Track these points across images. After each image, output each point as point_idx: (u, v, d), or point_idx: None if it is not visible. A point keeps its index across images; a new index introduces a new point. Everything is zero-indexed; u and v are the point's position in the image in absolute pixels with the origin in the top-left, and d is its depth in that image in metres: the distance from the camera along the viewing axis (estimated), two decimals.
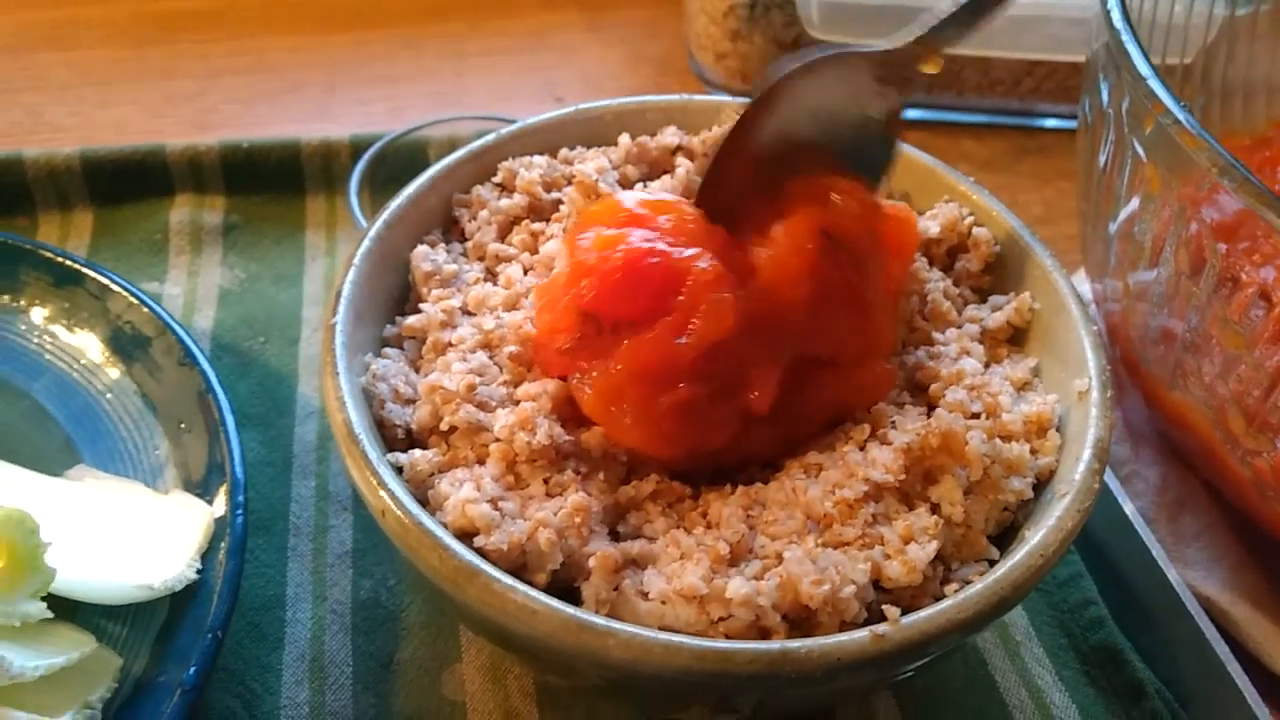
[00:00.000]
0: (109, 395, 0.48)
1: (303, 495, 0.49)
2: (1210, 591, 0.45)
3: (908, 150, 0.47)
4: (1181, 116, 0.40)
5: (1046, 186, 0.72)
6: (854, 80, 0.40)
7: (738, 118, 0.39)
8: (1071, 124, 0.74)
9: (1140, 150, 0.43)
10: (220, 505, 0.42)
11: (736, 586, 0.31)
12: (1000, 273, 0.44)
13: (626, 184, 0.46)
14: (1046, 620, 0.46)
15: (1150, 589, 0.44)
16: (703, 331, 0.34)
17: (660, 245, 0.37)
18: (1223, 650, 0.41)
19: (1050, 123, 0.75)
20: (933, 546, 0.33)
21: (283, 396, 0.53)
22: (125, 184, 0.60)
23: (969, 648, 0.44)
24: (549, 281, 0.39)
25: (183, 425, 0.46)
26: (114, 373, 0.48)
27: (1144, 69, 0.42)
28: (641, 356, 0.35)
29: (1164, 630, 0.44)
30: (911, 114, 0.75)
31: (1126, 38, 0.43)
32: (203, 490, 0.43)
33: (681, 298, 0.35)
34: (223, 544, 0.41)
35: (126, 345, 0.48)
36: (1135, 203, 0.45)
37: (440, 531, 0.33)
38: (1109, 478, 0.48)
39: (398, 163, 0.61)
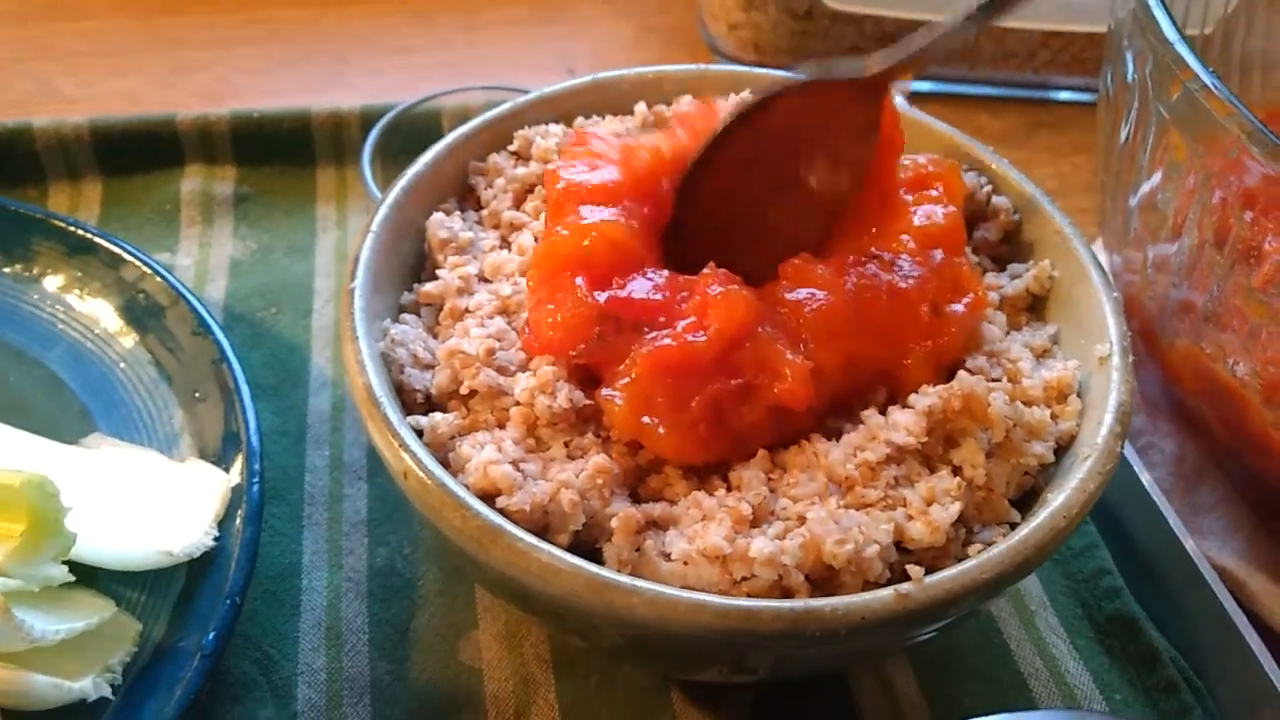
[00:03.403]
0: (123, 364, 0.47)
1: (317, 465, 0.49)
2: (1226, 562, 0.45)
3: (926, 119, 0.47)
4: (1210, 81, 0.40)
5: (1061, 160, 0.71)
6: (833, 100, 0.39)
7: (717, 132, 0.39)
8: (1086, 96, 0.73)
9: (1166, 118, 0.43)
10: (236, 473, 0.42)
11: (760, 546, 0.31)
12: (1019, 241, 0.44)
13: None
14: (1061, 589, 0.46)
15: (1166, 558, 0.44)
16: (720, 326, 0.34)
17: None
18: (1240, 619, 0.41)
19: (1064, 95, 0.74)
20: (955, 508, 0.33)
21: (295, 367, 0.53)
22: (135, 154, 0.60)
23: (984, 617, 0.44)
24: (539, 267, 0.37)
25: (197, 394, 0.46)
26: (128, 342, 0.48)
27: (1171, 34, 0.42)
28: (662, 358, 0.34)
29: (1179, 599, 0.44)
30: (925, 87, 0.74)
31: (1154, 3, 0.43)
32: (218, 459, 0.43)
33: (695, 296, 0.35)
34: (239, 512, 0.41)
35: (140, 315, 0.48)
36: (1158, 176, 0.45)
37: (463, 492, 0.32)
38: (1126, 448, 0.48)
39: (410, 133, 0.60)
